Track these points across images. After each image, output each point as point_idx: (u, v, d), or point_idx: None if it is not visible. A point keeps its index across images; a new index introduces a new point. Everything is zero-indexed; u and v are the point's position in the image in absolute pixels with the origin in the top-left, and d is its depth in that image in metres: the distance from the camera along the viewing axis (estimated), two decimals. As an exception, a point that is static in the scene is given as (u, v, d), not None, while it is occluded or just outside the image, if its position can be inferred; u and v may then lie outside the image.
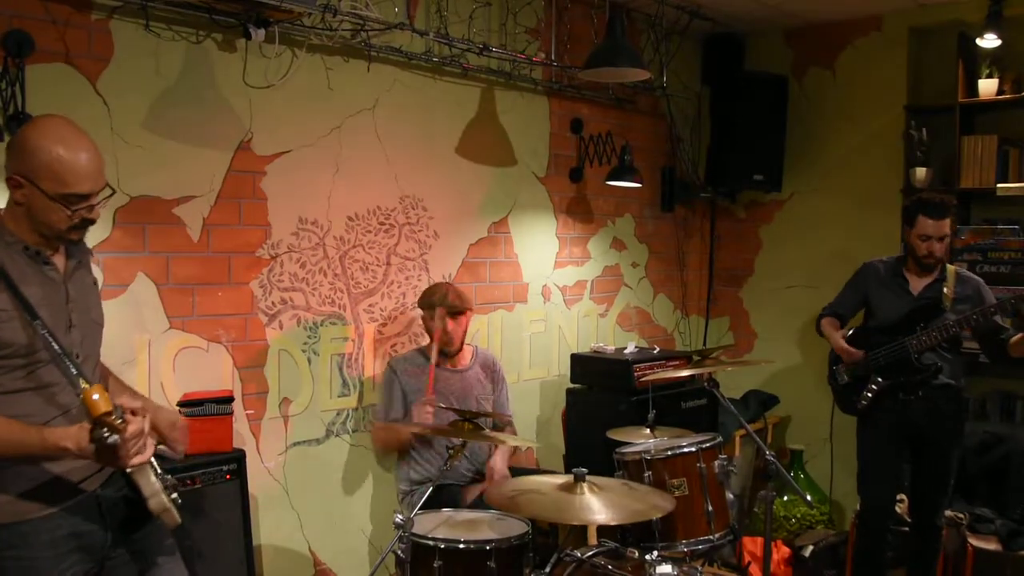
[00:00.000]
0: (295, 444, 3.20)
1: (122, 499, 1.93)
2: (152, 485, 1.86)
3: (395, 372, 3.27)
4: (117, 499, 1.92)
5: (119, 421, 1.68)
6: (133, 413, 1.77)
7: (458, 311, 3.26)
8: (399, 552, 2.43)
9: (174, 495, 1.89)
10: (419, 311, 3.38)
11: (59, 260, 1.91)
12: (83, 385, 1.76)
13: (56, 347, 1.79)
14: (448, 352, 3.31)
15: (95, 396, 1.67)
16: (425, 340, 3.57)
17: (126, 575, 1.97)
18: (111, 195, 1.90)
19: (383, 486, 3.49)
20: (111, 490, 1.91)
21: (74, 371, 1.80)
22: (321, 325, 3.26)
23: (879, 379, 3.32)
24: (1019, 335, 3.11)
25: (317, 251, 3.23)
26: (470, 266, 3.83)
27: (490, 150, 3.89)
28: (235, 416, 2.93)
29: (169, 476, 1.94)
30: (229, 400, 2.86)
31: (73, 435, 1.71)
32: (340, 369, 3.34)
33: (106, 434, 1.66)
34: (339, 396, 3.34)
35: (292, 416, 3.19)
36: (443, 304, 3.22)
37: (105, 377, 2.12)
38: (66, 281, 1.91)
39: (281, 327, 3.14)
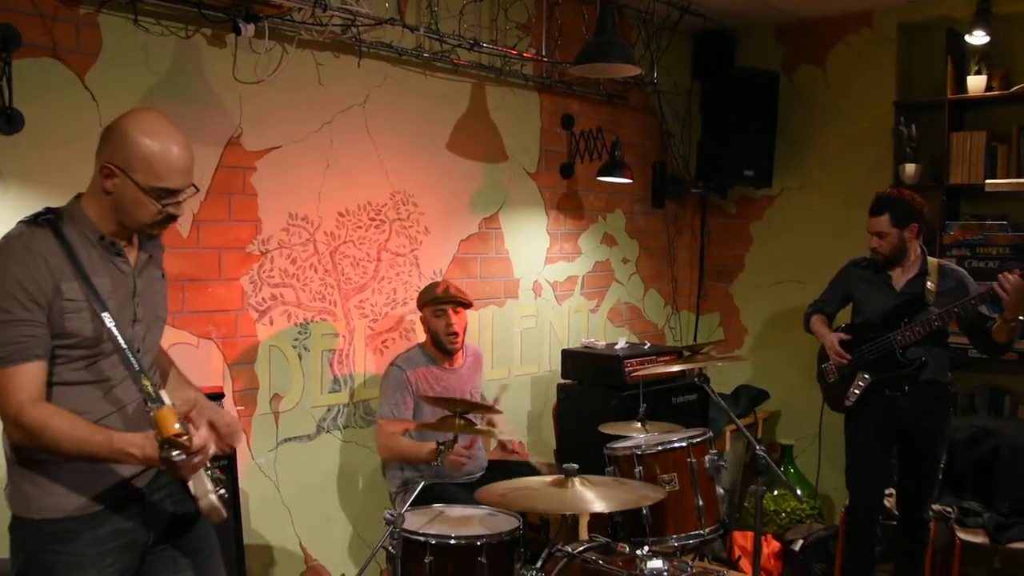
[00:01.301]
0: (286, 440, 3.20)
1: (166, 497, 1.92)
2: (203, 486, 1.84)
3: (404, 371, 3.22)
4: (161, 498, 1.91)
5: (186, 437, 1.68)
6: (197, 425, 1.76)
7: (461, 302, 3.25)
8: (390, 548, 2.44)
9: (221, 491, 1.87)
10: (419, 312, 3.34)
11: (131, 253, 1.89)
12: (157, 403, 1.74)
13: (121, 341, 1.76)
14: (451, 349, 3.28)
15: (167, 416, 1.67)
16: (417, 337, 3.58)
17: (165, 572, 1.95)
18: (196, 193, 1.90)
19: (374, 482, 3.49)
20: (155, 488, 1.90)
21: (136, 367, 1.77)
22: (312, 321, 3.26)
23: (865, 376, 3.33)
24: (1000, 320, 3.14)
25: (307, 247, 3.23)
26: (461, 262, 3.83)
27: (481, 146, 3.89)
28: (225, 412, 2.93)
29: (215, 471, 1.92)
30: (219, 396, 2.86)
31: (140, 443, 1.69)
32: (331, 365, 3.34)
33: (175, 453, 1.66)
34: (330, 392, 3.34)
35: (283, 412, 3.19)
36: (447, 296, 3.20)
37: (166, 371, 2.11)
38: (135, 275, 1.89)
39: (271, 323, 3.14)
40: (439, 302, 3.23)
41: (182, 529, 1.96)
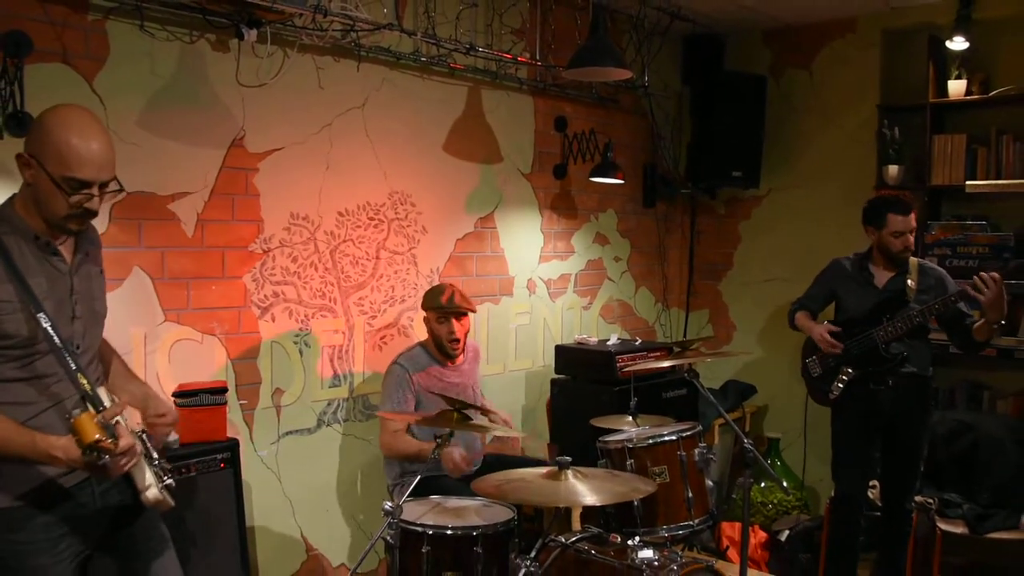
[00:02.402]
0: (287, 433, 3.22)
1: (112, 487, 1.91)
2: (145, 479, 1.84)
3: (407, 370, 3.23)
4: (107, 488, 1.90)
5: (109, 440, 1.67)
6: (119, 431, 1.74)
7: (465, 312, 3.26)
8: (388, 538, 2.44)
9: (168, 481, 1.87)
10: (422, 312, 3.34)
11: (67, 251, 1.88)
12: (95, 401, 1.74)
13: (57, 341, 1.76)
14: (452, 354, 3.30)
15: (86, 423, 1.66)
16: (415, 334, 3.60)
17: (119, 560, 1.96)
18: (119, 191, 1.87)
19: (373, 474, 3.51)
20: (92, 482, 1.88)
21: (73, 366, 1.77)
22: (312, 318, 3.28)
23: (849, 370, 3.36)
24: (981, 320, 3.18)
25: (308, 246, 3.25)
26: (457, 260, 3.85)
27: (477, 147, 3.90)
28: (229, 406, 2.94)
29: (163, 462, 1.93)
30: (223, 391, 2.87)
31: (64, 446, 1.68)
32: (331, 361, 3.36)
33: (97, 457, 1.67)
34: (330, 387, 3.35)
35: (284, 406, 3.20)
36: (452, 307, 3.19)
37: (108, 363, 2.09)
38: (72, 273, 1.88)
39: (273, 320, 3.15)
40: (444, 311, 3.23)
41: (129, 519, 1.96)
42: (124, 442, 1.71)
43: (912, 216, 3.31)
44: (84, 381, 1.76)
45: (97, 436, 1.65)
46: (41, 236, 1.82)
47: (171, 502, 1.89)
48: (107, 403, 1.79)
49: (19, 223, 1.81)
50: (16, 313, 1.75)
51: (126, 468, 1.78)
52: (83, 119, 1.81)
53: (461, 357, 3.38)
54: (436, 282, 3.69)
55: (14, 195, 1.86)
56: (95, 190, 1.80)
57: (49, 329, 1.76)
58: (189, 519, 2.65)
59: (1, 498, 1.78)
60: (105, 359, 2.08)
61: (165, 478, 1.90)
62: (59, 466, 1.73)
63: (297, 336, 3.23)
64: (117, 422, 1.75)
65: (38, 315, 1.75)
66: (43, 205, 1.79)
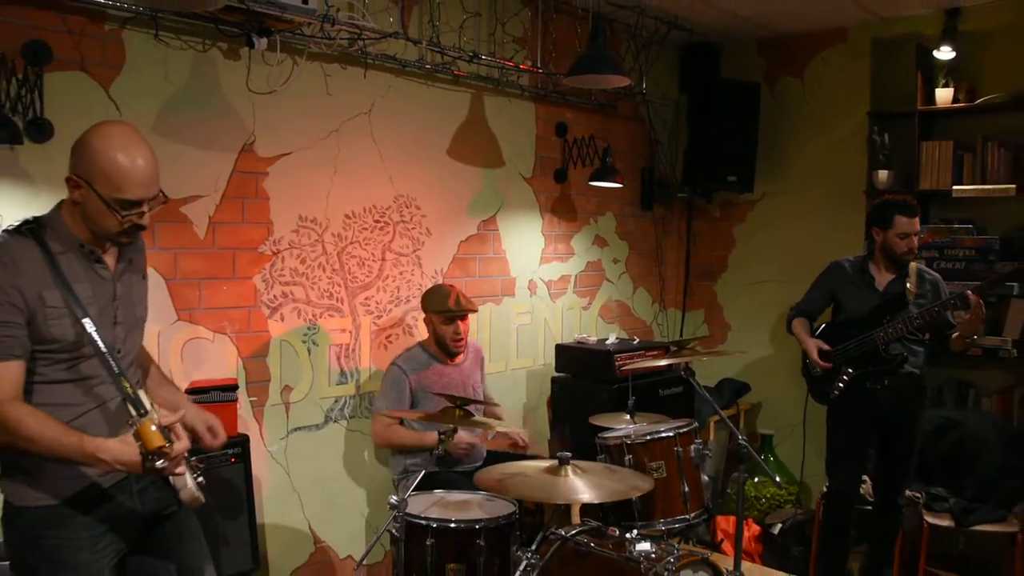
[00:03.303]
0: (296, 429, 3.23)
1: (150, 485, 1.93)
2: (183, 479, 1.86)
3: (404, 371, 3.24)
4: (145, 486, 1.92)
5: (167, 446, 1.69)
6: (177, 435, 1.76)
7: (467, 313, 3.27)
8: (394, 531, 2.46)
9: (200, 479, 1.88)
10: (423, 312, 3.35)
11: (110, 258, 1.88)
12: (138, 407, 1.75)
13: (101, 345, 1.76)
14: (456, 352, 3.31)
15: (151, 429, 1.68)
16: (419, 334, 3.60)
17: (155, 553, 1.97)
18: (165, 202, 1.87)
19: (379, 468, 3.52)
20: (140, 477, 1.89)
21: (116, 369, 1.78)
22: (320, 317, 3.28)
23: (849, 370, 3.36)
24: (957, 333, 3.20)
25: (316, 247, 3.25)
26: (460, 262, 3.86)
27: (480, 152, 3.91)
28: (239, 403, 2.95)
29: (194, 460, 1.94)
30: (233, 388, 2.89)
31: (110, 448, 1.69)
32: (338, 359, 3.36)
33: (159, 463, 1.69)
34: (337, 384, 3.36)
35: (293, 403, 3.21)
36: (458, 309, 3.19)
37: (147, 368, 2.10)
38: (115, 279, 1.88)
39: (282, 319, 3.16)
40: (451, 314, 3.23)
41: (166, 515, 1.97)
42: (180, 446, 1.73)
43: (917, 219, 3.31)
44: (126, 384, 1.76)
45: (161, 444, 1.68)
46: (86, 244, 1.82)
47: (202, 499, 1.90)
48: (147, 405, 1.79)
49: (65, 231, 1.81)
50: (63, 319, 1.75)
51: (176, 470, 1.79)
52: (128, 138, 1.79)
53: (462, 356, 3.38)
54: (441, 283, 3.69)
55: (61, 202, 1.85)
56: (144, 206, 1.81)
57: (93, 334, 1.76)
58: (201, 512, 2.65)
59: (46, 497, 1.79)
60: (143, 364, 2.09)
61: (197, 476, 1.91)
62: (103, 468, 1.74)
63: (305, 335, 3.24)
64: (172, 426, 1.76)
65: (83, 320, 1.75)
66: (93, 222, 1.79)
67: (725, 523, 4.20)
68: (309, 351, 3.25)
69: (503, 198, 4.05)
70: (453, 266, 3.81)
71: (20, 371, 1.73)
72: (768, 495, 4.43)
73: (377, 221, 3.48)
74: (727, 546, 4.09)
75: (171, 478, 1.86)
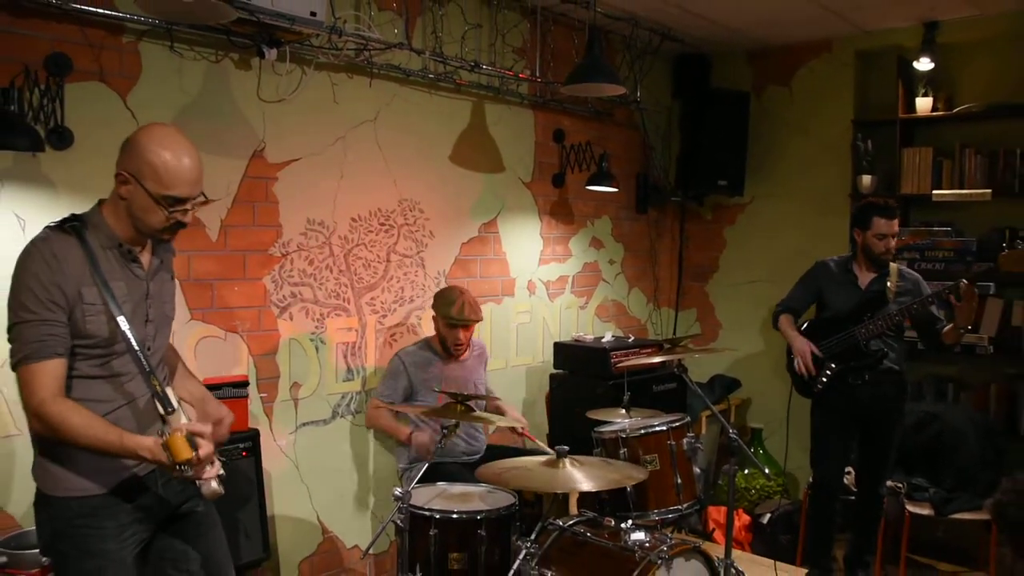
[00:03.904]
0: (304, 424, 3.23)
1: (174, 479, 1.92)
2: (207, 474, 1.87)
3: (404, 364, 3.25)
4: (169, 479, 1.91)
5: (195, 455, 1.70)
6: (203, 437, 1.76)
7: (472, 323, 3.26)
8: (398, 522, 2.46)
9: (221, 472, 1.88)
10: (432, 311, 3.34)
11: (145, 258, 1.89)
12: (167, 406, 1.76)
13: (134, 342, 1.77)
14: (456, 355, 3.31)
15: (180, 442, 1.69)
16: (423, 331, 3.61)
17: (177, 540, 1.98)
18: (206, 202, 1.88)
19: (384, 461, 3.53)
20: (159, 471, 1.89)
21: (148, 367, 1.79)
22: (327, 316, 3.29)
23: (832, 365, 3.38)
24: (950, 325, 3.20)
25: (324, 249, 3.26)
26: (462, 263, 3.86)
27: (481, 158, 3.91)
28: (250, 399, 2.96)
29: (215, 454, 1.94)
30: (245, 384, 2.89)
31: (149, 446, 1.70)
32: (344, 356, 3.37)
33: (188, 472, 1.71)
34: (344, 381, 3.37)
35: (301, 399, 3.22)
36: (462, 319, 3.19)
37: (174, 365, 2.10)
38: (149, 278, 1.89)
39: (291, 318, 3.17)
40: (452, 321, 3.22)
41: (189, 507, 1.99)
42: (204, 452, 1.74)
43: (896, 221, 3.31)
44: (155, 382, 1.77)
45: (189, 457, 1.69)
46: (124, 244, 1.83)
47: (222, 491, 1.89)
48: (174, 403, 1.80)
49: (106, 229, 1.81)
50: (99, 315, 1.75)
51: (204, 474, 1.80)
52: (176, 138, 1.80)
53: (465, 354, 3.39)
54: (443, 283, 3.70)
55: (101, 201, 1.85)
56: (188, 204, 1.81)
57: (128, 332, 1.76)
58: (215, 503, 2.66)
59: (76, 488, 1.79)
60: (170, 361, 2.09)
61: (219, 470, 1.91)
62: (143, 463, 1.76)
63: (313, 334, 3.24)
64: (200, 432, 1.77)
65: (118, 318, 1.76)
66: (138, 218, 1.80)
67: (716, 513, 4.21)
68: (317, 349, 3.26)
69: (503, 202, 4.05)
70: (455, 267, 3.82)
71: (62, 368, 1.73)
72: (757, 486, 4.44)
73: (382, 224, 3.48)
74: (718, 535, 4.10)
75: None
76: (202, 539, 2.01)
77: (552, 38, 4.12)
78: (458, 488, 2.87)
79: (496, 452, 3.31)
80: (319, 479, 3.30)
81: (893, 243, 3.33)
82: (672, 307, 5.28)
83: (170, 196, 1.77)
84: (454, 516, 2.59)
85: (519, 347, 4.19)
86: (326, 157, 3.24)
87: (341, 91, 3.26)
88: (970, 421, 3.77)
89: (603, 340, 4.14)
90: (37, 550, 2.16)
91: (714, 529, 4.16)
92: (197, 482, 1.78)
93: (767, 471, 3.18)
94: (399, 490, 2.48)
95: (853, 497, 3.58)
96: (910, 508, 3.59)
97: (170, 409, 1.78)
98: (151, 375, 1.78)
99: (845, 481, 3.59)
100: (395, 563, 3.26)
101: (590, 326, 4.64)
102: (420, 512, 2.58)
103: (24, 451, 2.44)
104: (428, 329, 3.46)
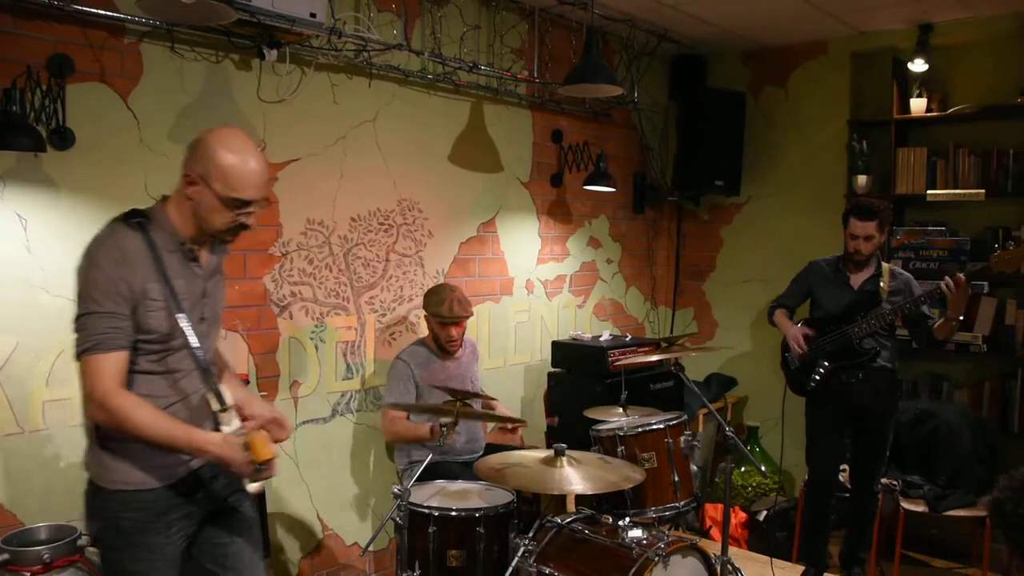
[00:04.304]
0: (304, 422, 3.23)
1: (220, 475, 1.95)
2: None
3: (409, 365, 3.23)
4: (216, 474, 1.94)
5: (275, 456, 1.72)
6: (273, 436, 1.80)
7: (462, 319, 3.26)
8: (398, 519, 2.46)
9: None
10: (423, 311, 3.34)
11: (204, 257, 1.90)
12: (221, 409, 1.78)
13: (193, 341, 1.79)
14: (450, 351, 3.30)
15: (260, 443, 1.72)
16: (421, 331, 3.61)
17: (219, 538, 1.99)
18: (267, 206, 1.89)
19: (383, 459, 3.53)
20: (208, 467, 1.92)
21: (204, 365, 1.81)
22: (327, 315, 3.29)
23: (825, 363, 3.38)
24: (941, 320, 3.21)
25: (323, 249, 3.26)
26: (461, 262, 3.86)
27: (479, 158, 3.91)
28: (251, 397, 2.96)
29: None
30: (245, 383, 2.89)
31: (217, 443, 1.74)
32: (344, 355, 3.37)
33: (264, 473, 1.74)
34: (343, 379, 3.36)
35: (301, 397, 3.21)
36: (451, 316, 3.19)
37: (222, 366, 2.11)
38: (207, 278, 1.90)
39: (291, 317, 3.16)
40: (442, 319, 3.21)
41: (233, 502, 2.00)
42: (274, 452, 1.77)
43: (869, 224, 3.27)
44: (212, 379, 1.79)
45: (273, 456, 1.72)
46: (187, 243, 1.84)
47: (262, 488, 1.93)
48: (228, 400, 1.82)
49: (169, 228, 1.83)
50: (160, 311, 1.77)
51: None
52: (243, 142, 1.82)
53: (459, 352, 3.39)
54: (443, 283, 3.70)
55: (165, 199, 1.87)
56: (252, 207, 1.83)
57: (188, 329, 1.78)
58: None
59: (132, 480, 1.80)
60: (217, 362, 2.10)
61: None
62: (207, 458, 1.77)
63: (313, 332, 3.24)
64: (267, 429, 1.79)
65: (178, 315, 1.77)
66: (203, 219, 1.81)
67: (713, 511, 4.21)
68: (317, 348, 3.25)
69: (502, 201, 4.05)
70: (454, 266, 3.82)
71: (125, 361, 1.75)
72: (754, 484, 4.45)
73: (381, 224, 3.48)
74: (715, 532, 4.11)
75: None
76: (240, 536, 2.02)
77: (550, 39, 4.12)
78: (457, 486, 2.88)
79: (495, 451, 3.30)
80: (319, 477, 3.29)
81: (863, 244, 3.30)
82: (669, 306, 5.29)
83: (237, 198, 1.79)
84: (453, 514, 2.60)
85: (517, 346, 4.20)
86: (326, 157, 3.23)
87: (341, 92, 3.26)
88: (964, 418, 3.77)
89: (601, 339, 4.14)
90: (39, 548, 2.17)
91: (711, 526, 4.16)
92: (246, 484, 1.80)
93: (763, 469, 3.18)
94: (398, 488, 2.47)
95: (848, 494, 3.59)
96: (905, 505, 3.59)
97: (224, 406, 1.80)
98: (207, 372, 1.80)
99: (840, 478, 3.59)
100: (394, 560, 3.27)
101: (588, 325, 4.64)
102: (419, 509, 2.59)
103: (26, 449, 2.44)
104: (427, 328, 3.45)
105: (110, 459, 1.80)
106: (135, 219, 1.79)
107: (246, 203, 1.81)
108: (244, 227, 1.85)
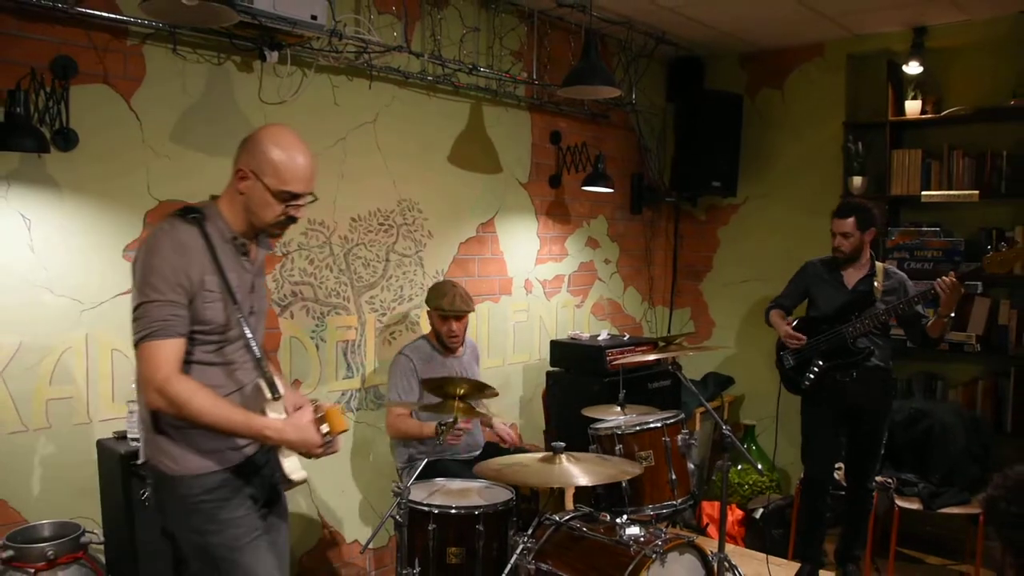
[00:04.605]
0: (305, 421, 3.23)
1: (268, 465, 1.97)
2: (294, 462, 1.92)
3: (412, 361, 3.23)
4: (266, 463, 1.97)
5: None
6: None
7: (465, 313, 3.27)
8: (397, 517, 2.46)
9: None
10: (426, 307, 3.35)
11: (253, 253, 1.94)
12: (273, 398, 1.81)
13: (247, 331, 1.83)
14: (452, 347, 3.31)
15: (336, 415, 1.76)
16: (422, 329, 3.62)
17: (273, 517, 2.03)
18: (314, 200, 1.92)
19: (383, 459, 3.53)
20: (260, 453, 1.95)
21: (259, 354, 1.85)
22: (327, 315, 3.30)
23: (820, 362, 3.39)
24: (934, 318, 3.22)
25: (324, 249, 3.26)
26: (460, 262, 3.87)
27: (478, 159, 3.92)
28: (253, 396, 2.96)
29: None
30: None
31: (278, 427, 1.78)
32: (344, 354, 3.37)
33: (331, 442, 1.80)
34: (344, 378, 3.37)
35: (303, 396, 3.22)
36: (453, 310, 3.19)
37: (272, 360, 2.15)
38: (255, 273, 1.95)
39: (292, 317, 3.17)
40: (444, 313, 3.23)
41: (276, 495, 2.04)
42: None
43: (844, 222, 3.32)
44: (266, 368, 1.82)
45: (347, 427, 1.77)
46: (239, 237, 1.89)
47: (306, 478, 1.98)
48: (281, 390, 1.85)
49: (222, 223, 1.87)
50: (216, 302, 1.80)
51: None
52: (293, 139, 1.87)
53: (460, 350, 3.40)
54: (445, 280, 3.70)
55: (214, 197, 1.90)
56: (301, 200, 1.87)
57: (243, 320, 1.82)
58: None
59: (198, 466, 1.83)
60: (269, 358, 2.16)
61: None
62: (267, 443, 1.82)
63: (314, 331, 3.25)
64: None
65: (234, 306, 1.81)
66: (254, 212, 1.86)
67: (710, 508, 4.21)
68: (317, 347, 3.26)
69: (501, 202, 4.06)
70: (453, 266, 3.83)
71: (182, 349, 1.77)
72: (750, 482, 4.45)
73: (381, 224, 3.49)
74: (712, 530, 4.12)
75: (284, 462, 1.91)
76: (284, 522, 2.07)
77: (549, 41, 4.13)
78: (456, 484, 2.88)
79: (494, 449, 3.32)
80: (319, 475, 3.29)
81: (840, 241, 3.35)
82: (667, 306, 5.30)
83: (287, 191, 1.84)
84: (452, 511, 2.60)
85: (516, 345, 4.20)
86: (326, 158, 3.23)
87: (341, 93, 3.26)
88: (958, 417, 3.78)
89: (599, 338, 4.15)
90: (43, 544, 2.18)
91: (708, 524, 4.17)
92: (286, 470, 1.84)
93: (760, 467, 3.19)
94: (398, 486, 2.48)
95: (843, 492, 3.60)
96: (899, 503, 3.60)
97: (277, 395, 1.83)
98: (261, 361, 1.84)
99: (835, 476, 3.60)
100: (394, 557, 3.28)
101: (586, 324, 4.65)
102: (419, 507, 2.59)
103: (29, 447, 2.45)
104: (427, 327, 3.46)
105: (175, 447, 1.83)
106: (191, 214, 1.83)
107: (295, 196, 1.86)
108: (293, 220, 1.89)
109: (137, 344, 1.75)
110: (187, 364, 1.80)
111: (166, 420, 1.81)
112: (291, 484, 1.92)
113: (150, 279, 1.74)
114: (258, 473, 1.94)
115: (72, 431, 2.53)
